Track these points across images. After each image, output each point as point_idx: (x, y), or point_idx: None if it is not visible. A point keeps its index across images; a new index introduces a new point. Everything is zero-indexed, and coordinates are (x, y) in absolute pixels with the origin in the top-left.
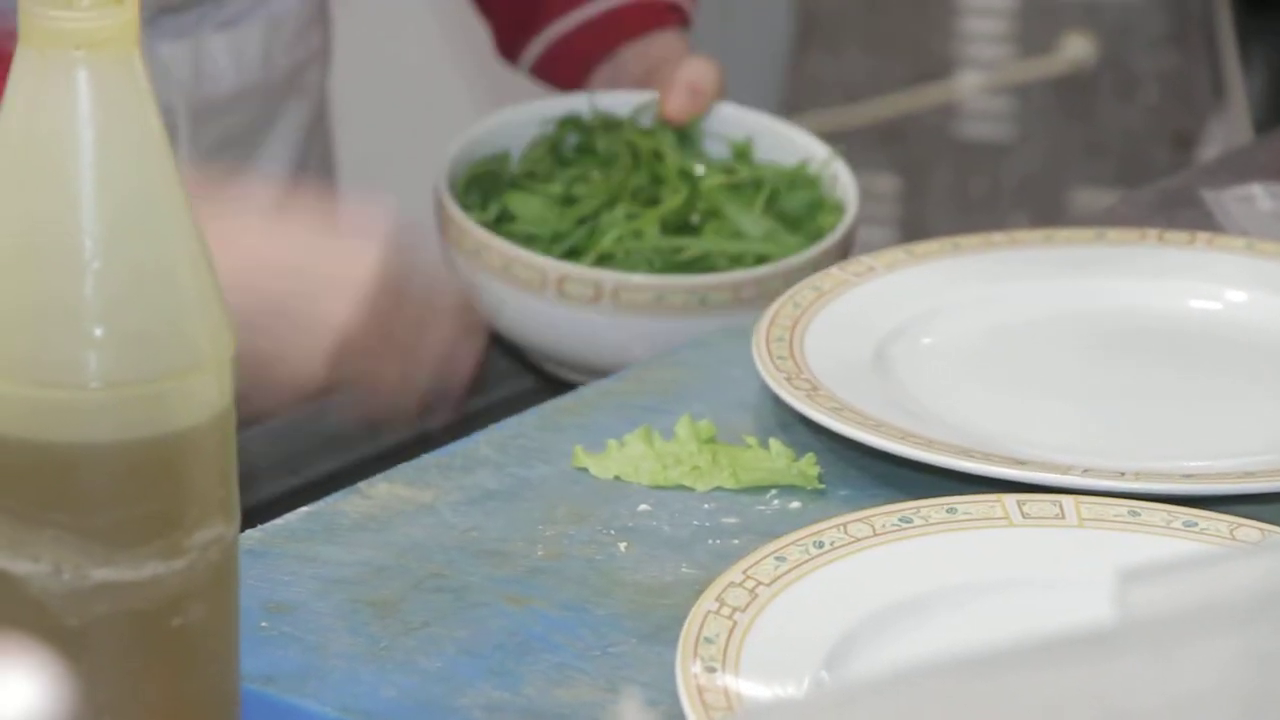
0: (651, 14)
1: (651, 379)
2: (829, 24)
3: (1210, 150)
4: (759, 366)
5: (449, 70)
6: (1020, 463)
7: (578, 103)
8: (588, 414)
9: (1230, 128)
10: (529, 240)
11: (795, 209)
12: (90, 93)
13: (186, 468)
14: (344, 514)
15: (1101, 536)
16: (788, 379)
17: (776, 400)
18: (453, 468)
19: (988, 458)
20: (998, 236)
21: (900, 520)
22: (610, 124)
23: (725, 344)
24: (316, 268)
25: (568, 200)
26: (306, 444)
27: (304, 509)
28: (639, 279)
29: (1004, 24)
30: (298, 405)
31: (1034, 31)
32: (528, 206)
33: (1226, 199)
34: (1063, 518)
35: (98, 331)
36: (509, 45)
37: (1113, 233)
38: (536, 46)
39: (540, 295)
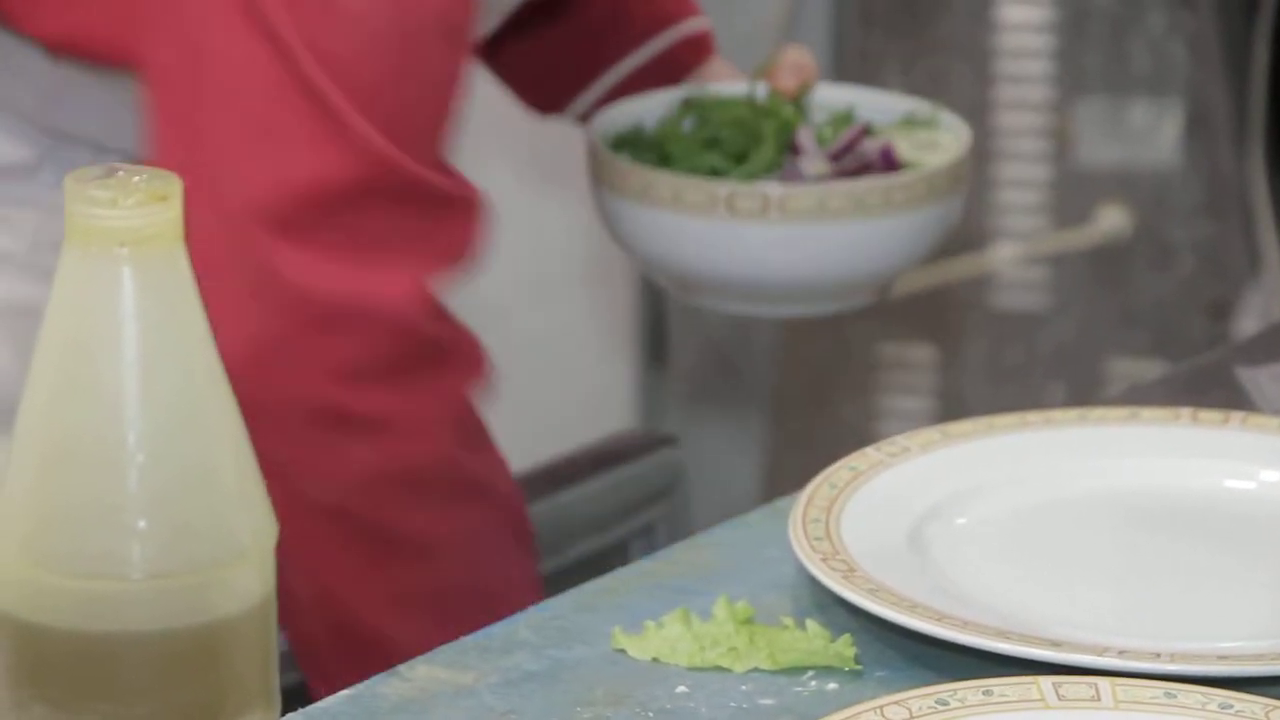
0: (700, 48)
1: (688, 560)
2: None
3: (1246, 321)
4: (795, 547)
5: None
6: (1055, 644)
7: (691, 91)
8: (625, 595)
9: (1266, 297)
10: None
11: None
12: (135, 290)
13: (227, 656)
14: (384, 696)
15: (1137, 719)
16: (824, 560)
17: (813, 580)
18: (491, 649)
19: (1023, 639)
20: (1032, 416)
21: (937, 702)
22: (726, 103)
23: (762, 524)
24: None
25: (715, 141)
26: None
27: (344, 692)
28: (802, 188)
29: (1038, 195)
30: None
31: (1068, 202)
32: (684, 147)
33: (1262, 377)
34: (1098, 699)
35: (140, 524)
36: (551, 98)
37: (1146, 412)
38: (590, 96)
39: (710, 215)
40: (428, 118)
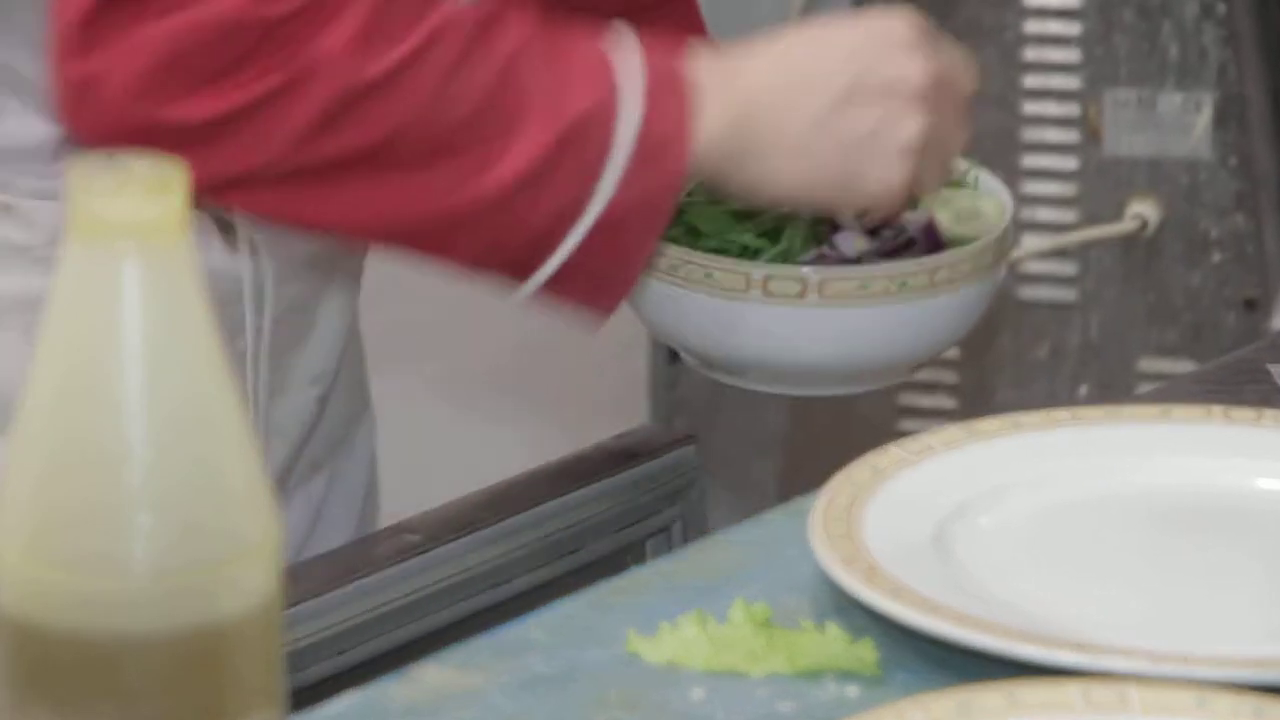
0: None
1: (705, 560)
2: None
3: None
4: (815, 548)
5: None
6: (1083, 648)
7: None
8: (641, 596)
9: None
10: (720, 253)
11: (960, 208)
12: (139, 282)
13: (232, 657)
14: (392, 699)
15: None
16: (845, 561)
17: (833, 582)
18: (503, 650)
19: (1049, 642)
20: (1060, 414)
21: (959, 707)
22: None
23: (781, 524)
24: (874, 75)
25: (747, 214)
26: (354, 623)
27: (351, 693)
28: (841, 271)
29: (1066, 187)
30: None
31: (1097, 194)
32: (712, 222)
33: None
34: (1127, 705)
35: (145, 522)
36: None
37: (1177, 410)
38: None
39: (745, 297)
40: None
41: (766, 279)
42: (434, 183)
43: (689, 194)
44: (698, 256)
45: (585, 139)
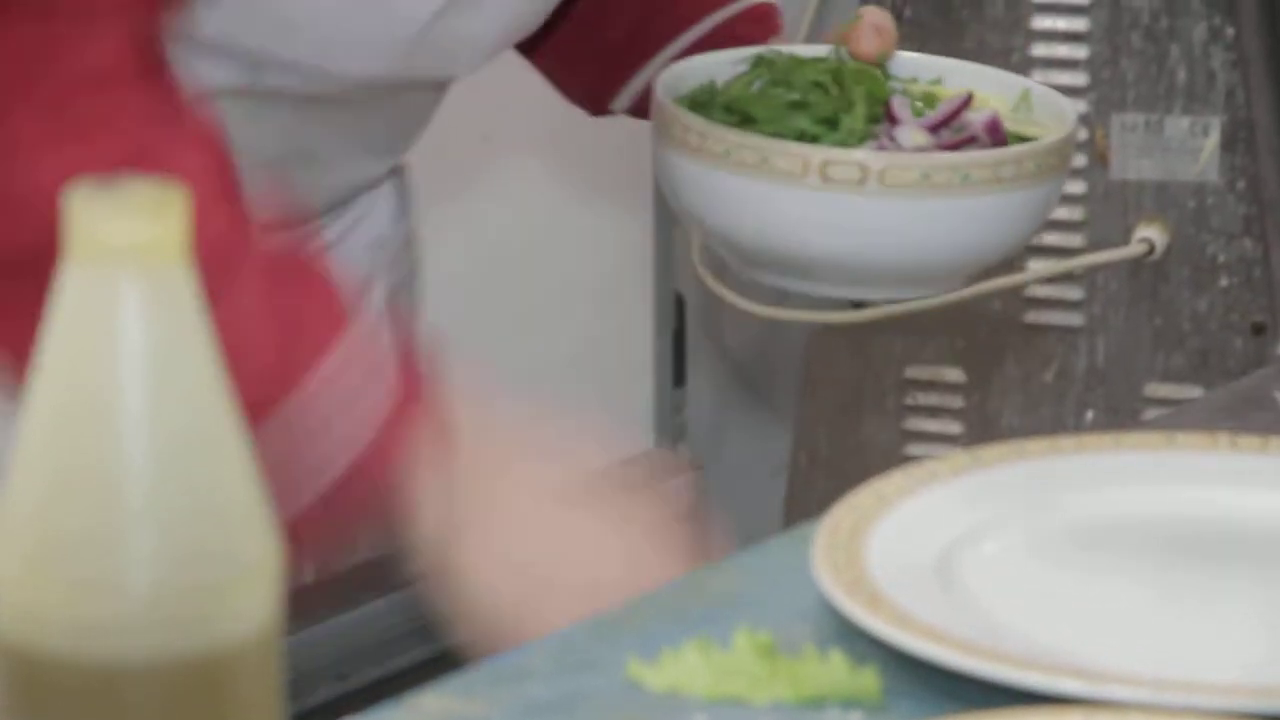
0: (766, 24)
1: (708, 587)
2: None
3: None
4: (818, 574)
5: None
6: (1087, 676)
7: (765, 51)
8: (642, 622)
9: None
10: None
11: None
12: (138, 304)
13: (232, 682)
14: None
15: None
16: (848, 588)
17: (836, 608)
18: (504, 678)
19: (1053, 670)
20: (1065, 441)
21: None
22: (806, 64)
23: (784, 550)
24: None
25: (802, 104)
26: (355, 649)
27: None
28: (905, 158)
29: (1073, 210)
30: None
31: (1104, 218)
32: (769, 109)
33: None
34: None
35: (144, 546)
36: (605, 84)
37: (1183, 436)
38: (644, 76)
39: (803, 183)
40: None
41: (825, 164)
42: None
43: (736, 84)
44: (751, 139)
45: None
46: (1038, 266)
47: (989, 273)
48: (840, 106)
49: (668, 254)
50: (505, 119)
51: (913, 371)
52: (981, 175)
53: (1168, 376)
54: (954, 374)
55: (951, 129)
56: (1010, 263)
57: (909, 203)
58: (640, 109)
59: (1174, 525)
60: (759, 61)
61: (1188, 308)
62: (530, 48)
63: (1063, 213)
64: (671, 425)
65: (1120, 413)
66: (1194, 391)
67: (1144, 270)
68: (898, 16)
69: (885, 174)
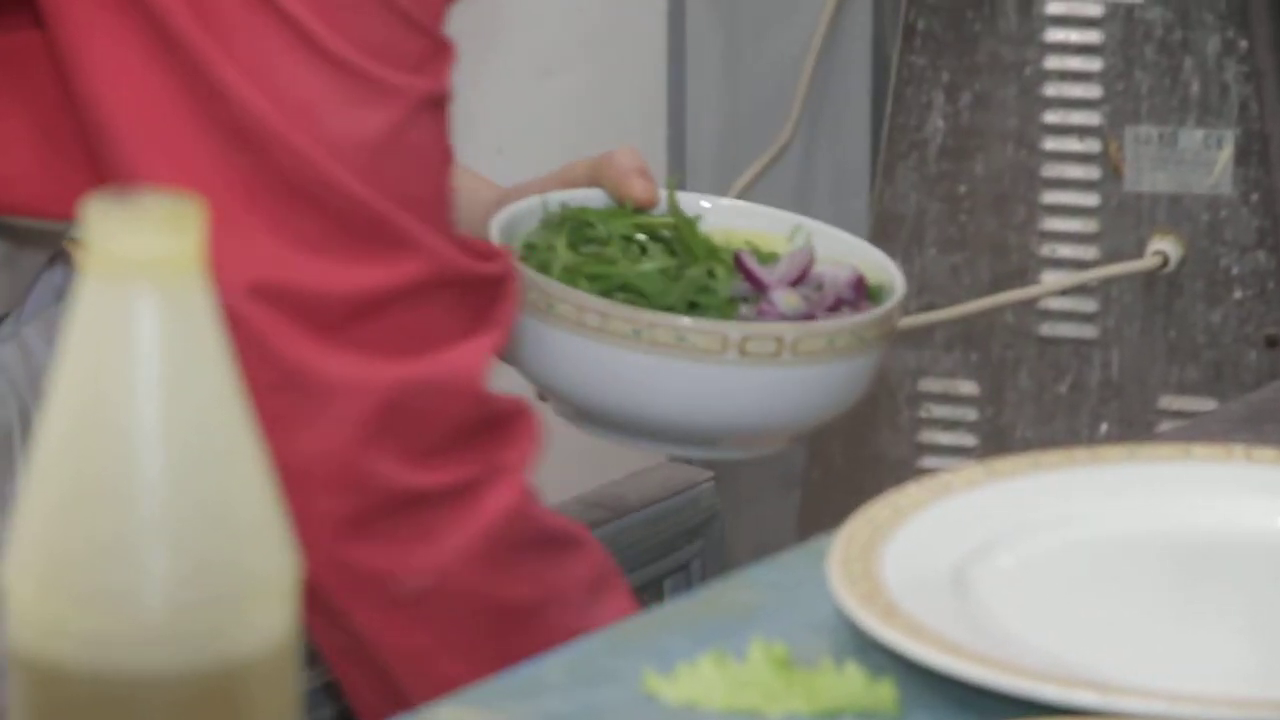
0: None
1: (724, 600)
2: (907, 224)
3: None
4: (834, 587)
5: None
6: (1102, 688)
7: (548, 200)
8: (658, 635)
9: None
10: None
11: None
12: (154, 319)
13: (247, 694)
14: None
15: None
16: (864, 600)
17: (852, 622)
18: (520, 690)
19: (1069, 683)
20: (1080, 453)
21: None
22: (609, 216)
23: (799, 563)
24: None
25: (676, 274)
26: None
27: None
28: (815, 327)
29: (1087, 223)
30: None
31: (1117, 231)
32: (649, 281)
33: None
34: None
35: (159, 559)
36: None
37: (1198, 449)
38: None
39: (720, 360)
40: (446, 195)
41: (744, 340)
42: None
43: (562, 239)
44: (662, 318)
45: None
46: (1051, 279)
47: (1003, 285)
48: (685, 266)
49: None
50: (519, 132)
51: (926, 384)
52: (871, 335)
53: (1182, 389)
54: (968, 387)
55: (810, 286)
56: (1024, 275)
57: (817, 368)
58: None
59: (1189, 537)
60: (561, 219)
61: (1202, 320)
62: None
63: (1077, 225)
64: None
65: (1134, 425)
66: (1208, 404)
67: (1158, 283)
68: (910, 29)
69: (798, 344)
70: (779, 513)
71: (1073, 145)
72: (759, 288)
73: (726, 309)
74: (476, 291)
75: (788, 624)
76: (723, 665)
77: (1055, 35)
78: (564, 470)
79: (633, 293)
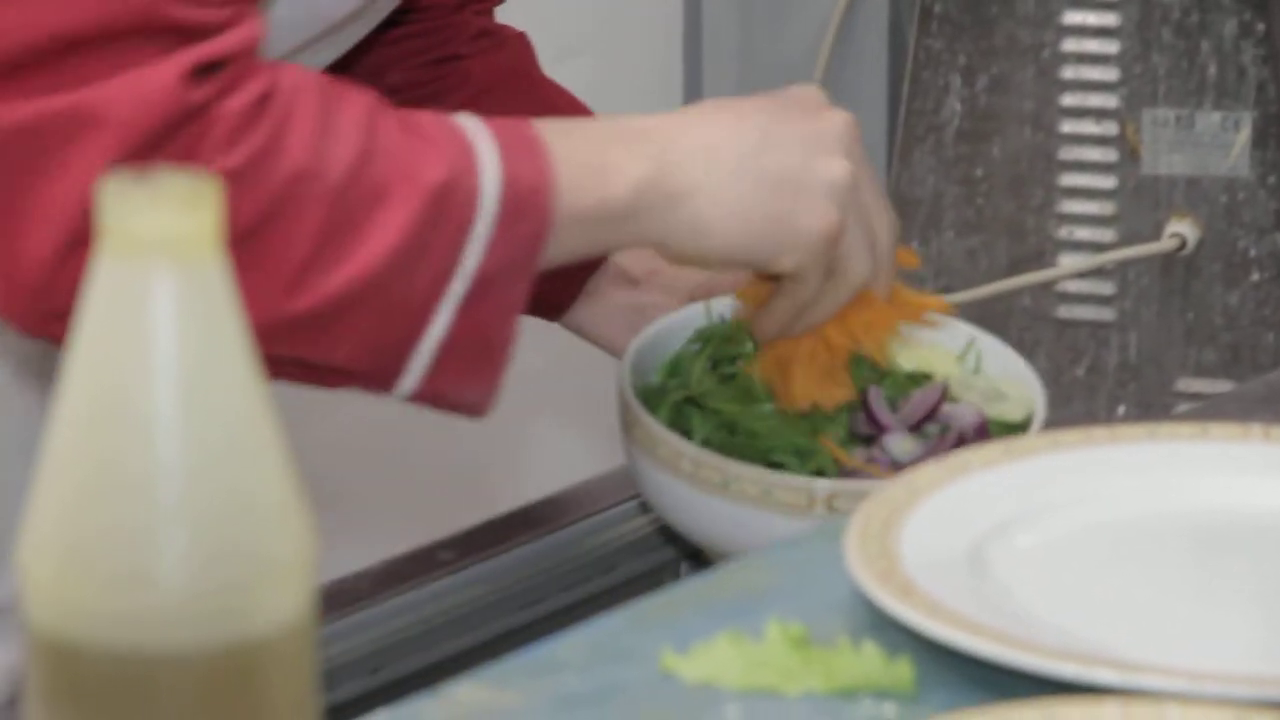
0: None
1: (740, 579)
2: (924, 207)
3: None
4: (851, 566)
5: None
6: (1121, 666)
7: (695, 315)
8: (676, 615)
9: None
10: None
11: (982, 390)
12: (172, 296)
13: (265, 675)
14: (425, 718)
15: None
16: (881, 579)
17: (869, 601)
18: (537, 669)
19: (1087, 661)
20: (1098, 432)
21: None
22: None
23: (817, 543)
24: (791, 125)
25: (802, 415)
26: (387, 642)
27: (384, 712)
28: None
29: (1104, 205)
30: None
31: (1135, 213)
32: (761, 422)
33: None
34: None
35: (177, 540)
36: (566, 292)
37: (1216, 428)
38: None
39: (808, 515)
40: None
41: (831, 496)
42: (308, 270)
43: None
44: (750, 471)
45: (450, 204)
46: (1069, 262)
47: (1020, 268)
48: (816, 421)
49: None
50: None
51: None
52: None
53: (1199, 372)
54: None
55: (937, 425)
56: (1041, 258)
57: None
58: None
59: (1207, 516)
60: (707, 337)
61: (1219, 303)
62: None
63: (1094, 208)
64: None
65: (1152, 408)
66: (1225, 386)
67: (1175, 265)
68: (926, 12)
69: None
70: None
71: (1090, 128)
72: (878, 430)
73: (840, 451)
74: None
75: (805, 603)
76: (740, 644)
77: (1072, 18)
78: (582, 451)
79: (744, 433)
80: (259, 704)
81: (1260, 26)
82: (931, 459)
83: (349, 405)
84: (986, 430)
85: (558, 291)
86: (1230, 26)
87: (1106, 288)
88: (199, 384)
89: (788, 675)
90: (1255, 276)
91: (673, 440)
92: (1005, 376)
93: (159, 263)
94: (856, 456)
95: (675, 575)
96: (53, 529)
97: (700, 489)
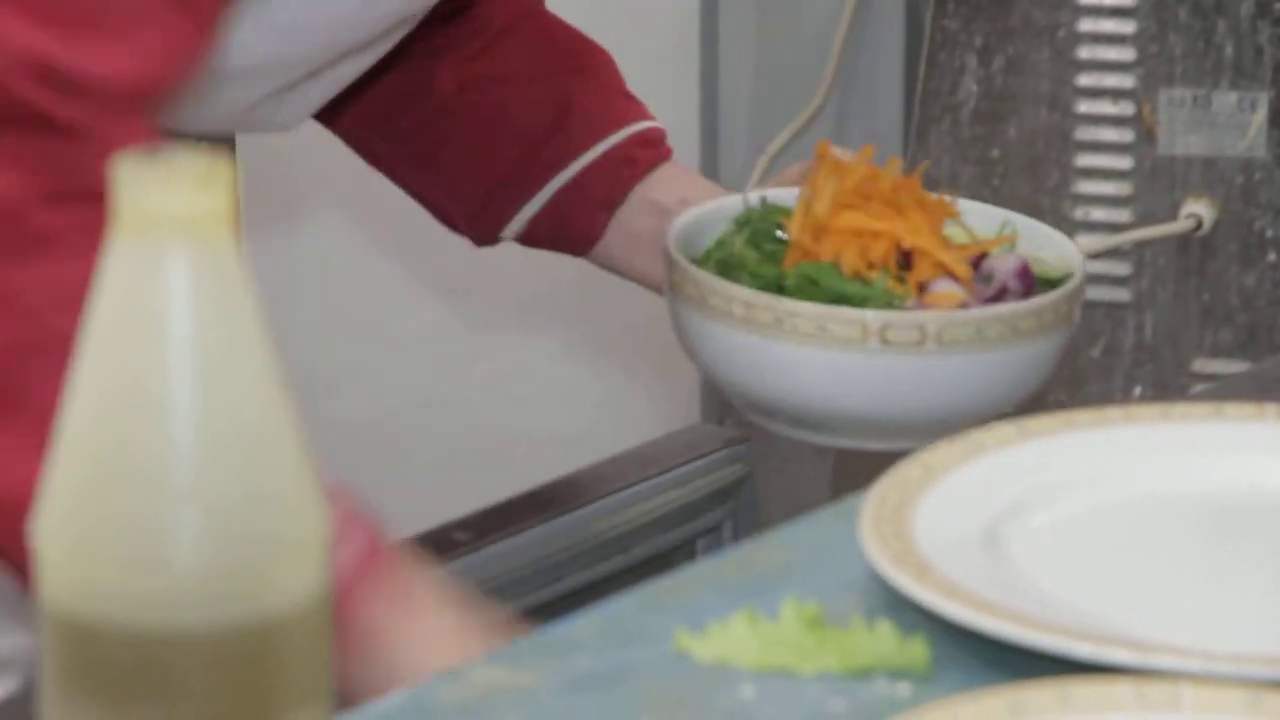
0: (656, 146)
1: (756, 559)
2: (940, 188)
3: None
4: (866, 546)
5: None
6: (1136, 646)
7: (736, 203)
8: (690, 595)
9: None
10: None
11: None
12: (187, 278)
13: (280, 655)
14: (440, 698)
15: None
16: (896, 559)
17: (884, 580)
18: (551, 650)
19: (1102, 641)
20: (1112, 412)
21: (1011, 705)
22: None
23: (831, 523)
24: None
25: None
26: None
27: (399, 691)
28: (959, 317)
29: (1122, 186)
30: None
31: (1151, 193)
32: (828, 275)
33: None
34: (1180, 704)
35: (192, 521)
36: (490, 217)
37: (1231, 408)
38: (532, 208)
39: (860, 349)
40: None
41: (884, 328)
42: None
43: (733, 243)
44: (803, 307)
45: None
46: (1085, 242)
47: None
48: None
49: None
50: None
51: None
52: (1028, 325)
53: (1216, 352)
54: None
55: (980, 278)
56: None
57: (963, 358)
58: (533, 237)
59: (1222, 496)
60: (747, 217)
61: (1235, 283)
62: (416, 178)
63: (1110, 188)
64: (719, 399)
65: (1168, 388)
66: (1241, 367)
67: (1191, 246)
68: None
69: (943, 333)
70: (812, 472)
71: (1106, 108)
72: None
73: (882, 299)
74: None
75: (820, 583)
76: (755, 624)
77: None
78: (598, 429)
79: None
80: (273, 685)
81: (1277, 7)
82: (976, 303)
83: (363, 386)
84: (1029, 275)
85: (585, 224)
86: (1247, 6)
87: (1123, 268)
88: (214, 365)
89: (802, 655)
90: (1271, 257)
91: (724, 287)
92: (1043, 249)
93: (173, 241)
94: (904, 306)
95: (690, 556)
96: (68, 511)
97: (754, 331)
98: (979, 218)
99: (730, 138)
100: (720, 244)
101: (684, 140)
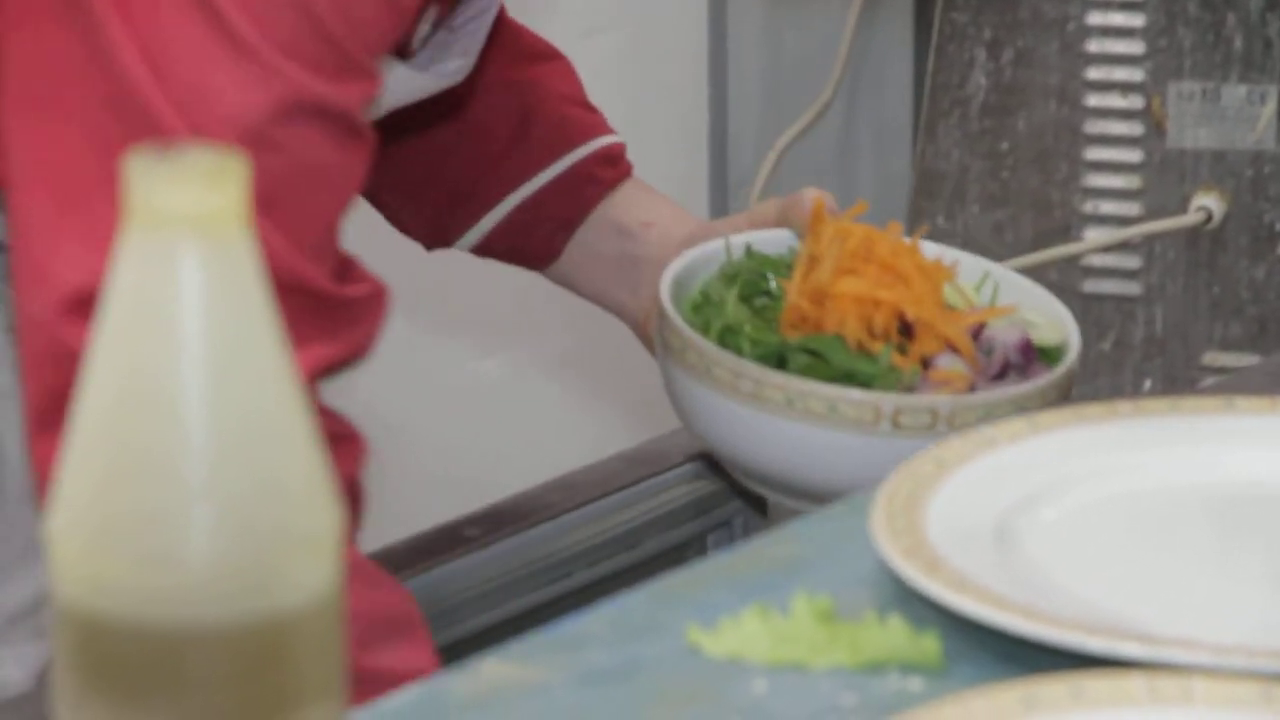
0: (616, 164)
1: (767, 554)
2: (949, 181)
3: None
4: (877, 540)
5: None
6: (1147, 640)
7: (732, 244)
8: (702, 589)
9: None
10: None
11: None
12: (199, 275)
13: (293, 650)
14: (452, 693)
15: (1231, 718)
16: (907, 553)
17: (896, 575)
18: (563, 644)
19: (1113, 635)
20: (1123, 406)
21: (1023, 699)
22: (778, 265)
23: (843, 517)
24: None
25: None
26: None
27: (411, 688)
28: (971, 401)
29: (1131, 180)
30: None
31: (1161, 187)
32: (834, 349)
33: None
34: (1191, 698)
35: (205, 517)
36: (442, 226)
37: (1241, 401)
38: (489, 222)
39: (874, 431)
40: (326, 218)
41: (896, 412)
42: None
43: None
44: (816, 388)
45: None
46: (1095, 235)
47: (1046, 242)
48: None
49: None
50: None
51: None
52: (1033, 404)
53: (1226, 345)
54: None
55: (981, 349)
56: (1067, 232)
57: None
58: (488, 249)
59: (1232, 489)
60: (736, 271)
61: (1245, 276)
62: (372, 185)
63: (1119, 181)
64: None
65: (1178, 381)
66: (1252, 360)
67: (1201, 239)
68: None
69: (954, 417)
70: None
71: (1115, 101)
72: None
73: (888, 377)
74: (326, 308)
75: (831, 577)
76: (766, 618)
77: None
78: (608, 427)
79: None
80: (286, 680)
81: None
82: (978, 386)
83: (374, 381)
84: (1031, 349)
85: (543, 242)
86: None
87: (1132, 262)
88: (226, 361)
89: (814, 649)
90: None
91: (730, 360)
92: (1031, 305)
93: (186, 239)
94: (906, 381)
95: (701, 551)
96: (82, 507)
97: (762, 409)
98: (961, 269)
99: (740, 133)
100: (707, 297)
101: (693, 135)
